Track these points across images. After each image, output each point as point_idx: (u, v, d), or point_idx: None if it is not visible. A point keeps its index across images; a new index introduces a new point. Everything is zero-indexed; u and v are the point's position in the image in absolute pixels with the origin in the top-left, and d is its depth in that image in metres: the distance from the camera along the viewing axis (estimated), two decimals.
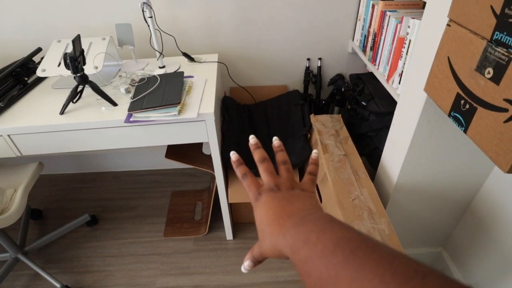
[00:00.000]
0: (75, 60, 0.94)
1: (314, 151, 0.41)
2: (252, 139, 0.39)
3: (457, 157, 0.90)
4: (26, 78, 1.19)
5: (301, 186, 0.36)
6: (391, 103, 1.05)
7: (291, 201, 0.32)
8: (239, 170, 0.37)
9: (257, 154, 0.38)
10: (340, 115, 1.29)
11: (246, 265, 0.34)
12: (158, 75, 1.13)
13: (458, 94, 0.58)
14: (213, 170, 1.20)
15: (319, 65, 1.48)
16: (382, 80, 1.09)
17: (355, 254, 0.22)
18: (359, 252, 0.22)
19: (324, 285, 0.22)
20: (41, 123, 0.99)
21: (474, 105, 0.54)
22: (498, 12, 0.47)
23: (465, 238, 1.08)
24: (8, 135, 1.00)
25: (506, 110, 0.48)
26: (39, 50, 1.27)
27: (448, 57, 0.60)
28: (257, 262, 0.34)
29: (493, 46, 0.48)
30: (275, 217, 0.31)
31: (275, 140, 0.41)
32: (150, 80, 1.11)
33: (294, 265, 0.26)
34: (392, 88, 1.02)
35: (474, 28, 0.52)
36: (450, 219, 1.10)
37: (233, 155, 0.38)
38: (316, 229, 0.26)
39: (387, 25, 1.03)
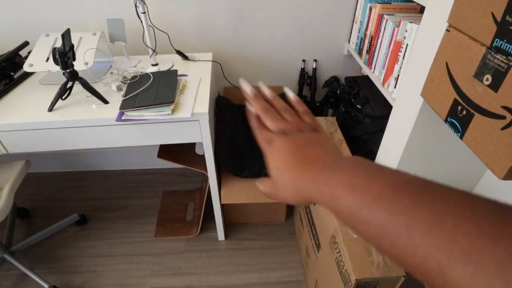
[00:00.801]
0: (64, 55, 0.91)
1: (286, 89, 0.39)
2: (246, 87, 0.36)
3: (451, 162, 0.90)
4: (12, 73, 1.14)
5: (311, 127, 0.34)
6: (386, 107, 1.05)
7: (310, 144, 0.29)
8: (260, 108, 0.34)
9: (258, 105, 0.35)
10: (335, 117, 1.29)
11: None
12: (151, 73, 1.10)
13: (455, 100, 0.57)
14: (206, 170, 1.18)
15: (314, 66, 1.47)
16: (378, 83, 1.09)
17: (423, 198, 0.20)
18: (427, 194, 0.20)
19: (391, 232, 0.20)
20: (29, 120, 0.95)
21: (471, 111, 0.54)
22: (499, 19, 0.46)
23: None
24: None
25: (503, 117, 0.48)
26: (26, 44, 1.22)
27: (446, 63, 0.59)
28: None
29: (493, 53, 0.48)
30: (296, 162, 0.28)
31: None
32: (142, 77, 1.09)
33: (335, 213, 0.24)
34: (388, 92, 1.01)
35: (474, 34, 0.52)
36: None
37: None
38: (360, 174, 0.23)
39: (384, 29, 1.03)
